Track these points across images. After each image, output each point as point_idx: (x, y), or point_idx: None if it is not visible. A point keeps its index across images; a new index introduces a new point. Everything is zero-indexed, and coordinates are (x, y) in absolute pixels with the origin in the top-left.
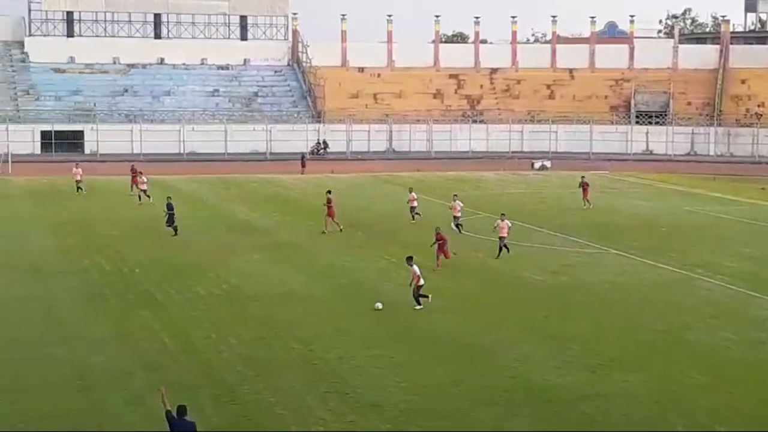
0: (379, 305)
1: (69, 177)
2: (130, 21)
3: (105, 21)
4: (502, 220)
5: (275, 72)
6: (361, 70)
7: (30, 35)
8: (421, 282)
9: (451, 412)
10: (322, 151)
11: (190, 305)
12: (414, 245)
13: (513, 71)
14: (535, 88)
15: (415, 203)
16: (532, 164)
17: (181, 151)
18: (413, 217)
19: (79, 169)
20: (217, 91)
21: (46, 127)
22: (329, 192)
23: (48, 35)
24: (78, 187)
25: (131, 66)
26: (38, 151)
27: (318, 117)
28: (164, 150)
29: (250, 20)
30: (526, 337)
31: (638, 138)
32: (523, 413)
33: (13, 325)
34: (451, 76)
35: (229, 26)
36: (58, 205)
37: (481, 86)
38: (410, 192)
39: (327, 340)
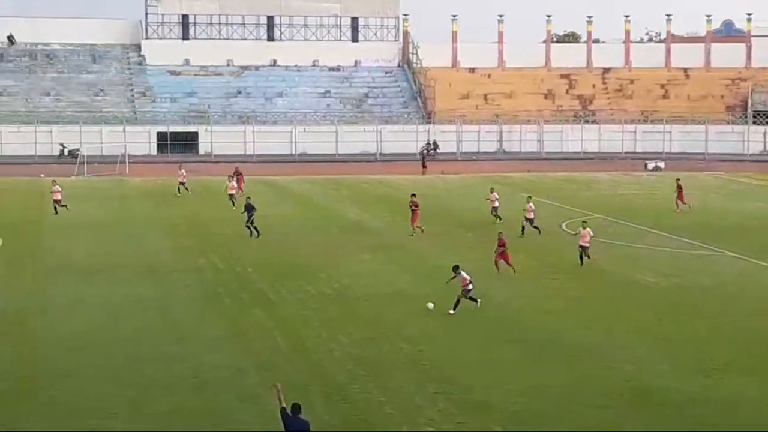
0: (431, 305)
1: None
2: (243, 23)
3: (219, 24)
4: (584, 228)
5: (386, 73)
6: (472, 70)
7: (147, 38)
8: (470, 287)
9: (562, 414)
10: (432, 151)
11: (302, 305)
12: (522, 247)
13: (626, 71)
14: (649, 88)
15: (497, 203)
16: (645, 165)
17: (293, 152)
18: (497, 217)
19: (183, 171)
20: (328, 92)
21: (162, 129)
22: (414, 195)
23: (164, 38)
24: (179, 189)
25: (244, 68)
26: (154, 152)
27: (428, 118)
28: (276, 151)
29: (361, 21)
30: (638, 340)
31: (755, 138)
32: (635, 417)
33: (131, 324)
34: (562, 76)
35: (340, 28)
36: (173, 205)
37: (594, 86)
38: (491, 192)
39: (436, 340)
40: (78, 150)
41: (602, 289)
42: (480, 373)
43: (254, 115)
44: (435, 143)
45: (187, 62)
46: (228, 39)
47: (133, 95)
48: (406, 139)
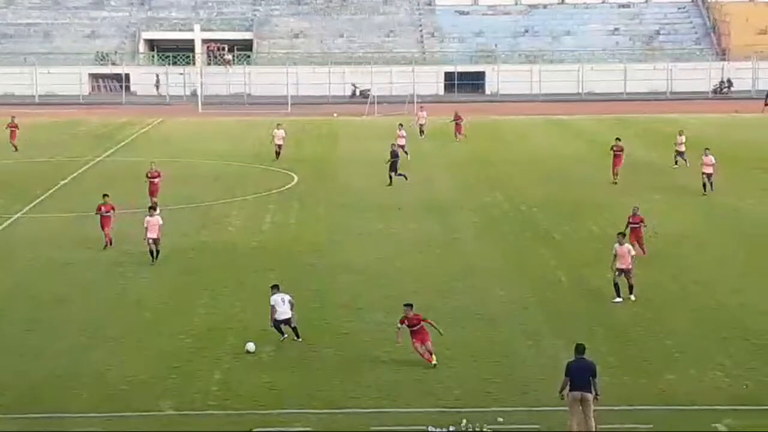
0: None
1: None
2: None
3: None
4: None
5: (678, 9)
6: None
7: None
8: (618, 265)
9: None
10: (725, 89)
11: (585, 244)
12: None
13: None
14: None
15: (683, 147)
16: None
17: (579, 91)
18: (676, 162)
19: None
20: (617, 29)
21: (450, 69)
22: (618, 139)
23: None
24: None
25: (532, 6)
26: (441, 92)
27: (722, 55)
28: (562, 90)
29: None
30: None
31: None
32: None
33: (418, 260)
34: None
35: None
36: (456, 144)
37: None
38: (680, 135)
39: (727, 285)
40: (369, 90)
41: None
42: None
43: (541, 54)
44: (729, 81)
45: (475, 1)
46: None
47: (422, 36)
48: (698, 77)
